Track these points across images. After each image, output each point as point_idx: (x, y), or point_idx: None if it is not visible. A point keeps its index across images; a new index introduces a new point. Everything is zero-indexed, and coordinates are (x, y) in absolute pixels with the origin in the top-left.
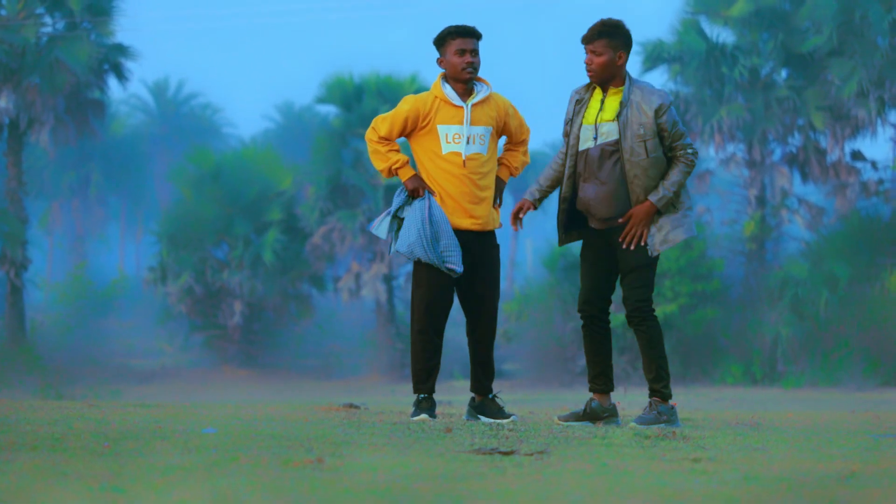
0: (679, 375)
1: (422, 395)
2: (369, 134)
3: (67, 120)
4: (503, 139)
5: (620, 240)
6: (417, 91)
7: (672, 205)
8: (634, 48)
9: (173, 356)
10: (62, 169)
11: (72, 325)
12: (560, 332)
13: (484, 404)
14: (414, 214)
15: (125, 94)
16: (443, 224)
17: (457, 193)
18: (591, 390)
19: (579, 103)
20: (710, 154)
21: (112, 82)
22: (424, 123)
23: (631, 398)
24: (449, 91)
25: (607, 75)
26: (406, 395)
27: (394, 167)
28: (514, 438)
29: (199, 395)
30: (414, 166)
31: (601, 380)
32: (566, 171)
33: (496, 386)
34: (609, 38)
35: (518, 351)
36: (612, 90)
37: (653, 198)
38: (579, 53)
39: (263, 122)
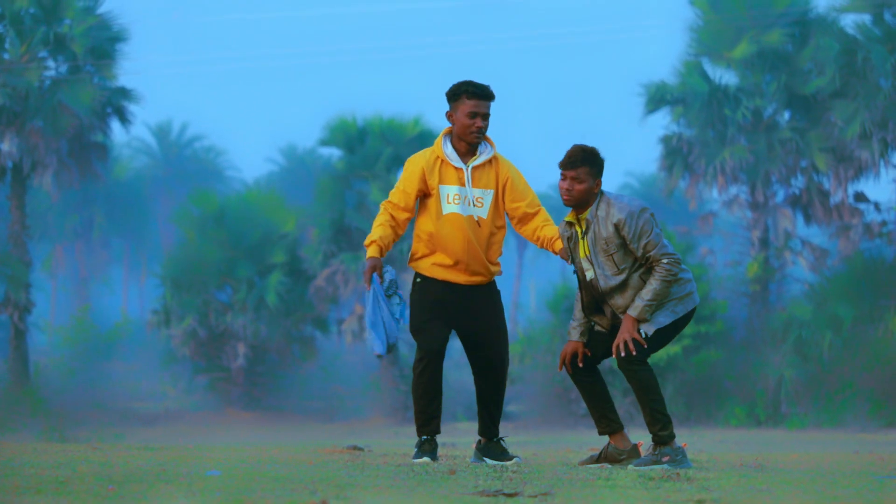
0: (682, 417)
1: (424, 437)
2: (382, 204)
3: (70, 163)
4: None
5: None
6: (420, 134)
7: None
8: (636, 90)
9: (177, 399)
10: (65, 212)
11: (75, 368)
12: (564, 375)
13: (489, 447)
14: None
15: (128, 137)
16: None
17: (457, 255)
18: (599, 434)
19: (570, 240)
20: (713, 196)
21: (115, 125)
22: (431, 184)
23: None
24: (450, 151)
25: (583, 201)
26: (410, 437)
27: (367, 241)
28: (518, 480)
29: (202, 438)
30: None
31: (604, 422)
32: (584, 300)
33: (502, 429)
34: (590, 165)
35: (522, 393)
36: (582, 215)
37: (631, 312)
38: (580, 97)
39: (267, 165)
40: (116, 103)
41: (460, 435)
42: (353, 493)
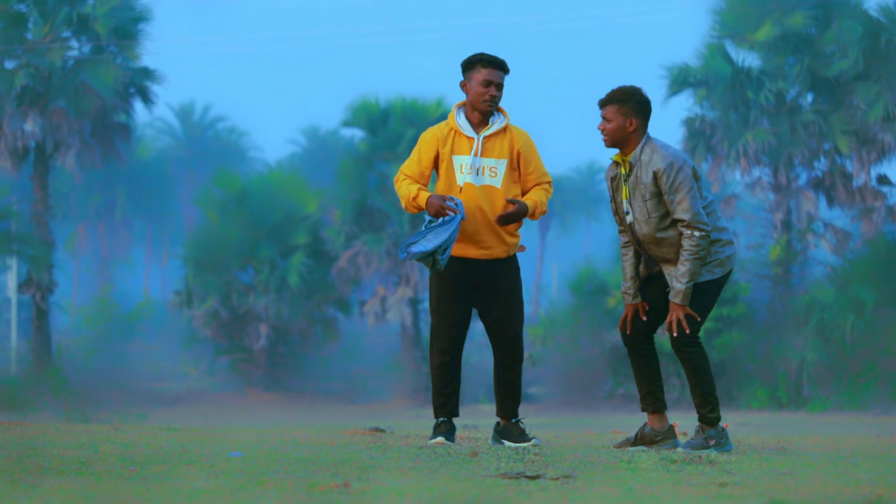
0: None
1: (441, 419)
2: (396, 178)
3: (93, 143)
4: None
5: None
6: (443, 115)
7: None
8: (659, 72)
9: (199, 380)
10: (88, 192)
11: (97, 348)
12: (586, 356)
13: (507, 428)
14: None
15: (151, 118)
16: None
17: (470, 225)
18: (642, 410)
19: (614, 180)
20: (735, 178)
21: (138, 106)
22: (443, 153)
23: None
24: (462, 121)
25: (619, 140)
26: (431, 418)
27: (412, 197)
28: (540, 462)
29: (224, 419)
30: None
31: (649, 399)
32: (628, 245)
33: (522, 410)
34: (620, 104)
35: (543, 375)
36: (627, 157)
37: (674, 299)
38: (603, 79)
39: (289, 146)
40: (139, 84)
41: (482, 417)
42: (374, 475)
